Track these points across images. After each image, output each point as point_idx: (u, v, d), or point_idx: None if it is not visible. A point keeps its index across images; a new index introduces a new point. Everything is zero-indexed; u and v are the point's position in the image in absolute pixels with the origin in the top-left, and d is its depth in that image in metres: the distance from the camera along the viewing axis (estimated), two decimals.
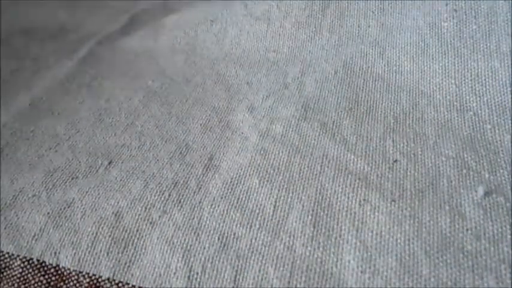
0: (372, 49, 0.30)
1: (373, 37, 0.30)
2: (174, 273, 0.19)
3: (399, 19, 0.30)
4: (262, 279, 0.18)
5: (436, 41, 0.28)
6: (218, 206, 0.21)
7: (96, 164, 0.24)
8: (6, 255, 0.20)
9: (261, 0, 0.34)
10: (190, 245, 0.20)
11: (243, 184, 0.22)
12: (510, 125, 0.24)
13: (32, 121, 0.29)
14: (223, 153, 0.24)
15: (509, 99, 0.25)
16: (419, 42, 0.29)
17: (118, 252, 0.20)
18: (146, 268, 0.19)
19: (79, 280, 0.19)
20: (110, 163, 0.24)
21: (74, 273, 0.19)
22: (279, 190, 0.21)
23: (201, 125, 0.27)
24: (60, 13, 0.40)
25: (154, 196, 0.22)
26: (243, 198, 0.21)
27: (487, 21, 0.28)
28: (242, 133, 0.26)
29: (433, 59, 0.28)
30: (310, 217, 0.20)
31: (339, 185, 0.21)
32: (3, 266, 0.20)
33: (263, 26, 0.33)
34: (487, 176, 0.21)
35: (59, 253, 0.20)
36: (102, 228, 0.20)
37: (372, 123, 0.25)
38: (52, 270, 0.19)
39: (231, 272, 0.19)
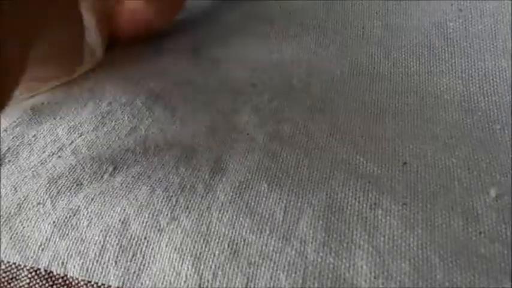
0: (377, 50, 0.29)
1: (378, 38, 0.30)
2: (185, 281, 0.18)
3: (404, 19, 0.30)
4: (274, 286, 0.18)
5: (442, 41, 0.28)
6: (227, 211, 0.21)
7: (100, 169, 0.24)
8: (13, 266, 0.20)
9: (264, 0, 0.34)
10: (200, 252, 0.19)
11: (252, 188, 0.22)
12: None
13: (33, 126, 0.28)
14: (230, 155, 0.24)
15: None
16: (425, 43, 0.28)
17: (126, 261, 0.19)
18: (156, 276, 0.19)
19: None
20: (114, 168, 0.24)
21: (82, 283, 0.19)
22: (288, 195, 0.21)
23: (205, 127, 0.26)
24: None
25: (162, 202, 0.22)
26: (252, 203, 0.21)
27: (493, 21, 0.28)
28: (248, 134, 0.25)
29: (439, 59, 0.28)
30: (321, 222, 0.20)
31: (350, 189, 0.21)
32: (10, 276, 0.19)
33: (266, 27, 0.33)
34: (498, 177, 0.21)
35: (67, 263, 0.19)
36: (110, 236, 0.20)
37: (380, 124, 0.25)
38: (60, 280, 0.19)
39: (243, 279, 0.18)
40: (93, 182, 0.23)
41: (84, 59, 0.31)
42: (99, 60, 0.32)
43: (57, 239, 0.20)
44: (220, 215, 0.21)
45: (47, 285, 0.19)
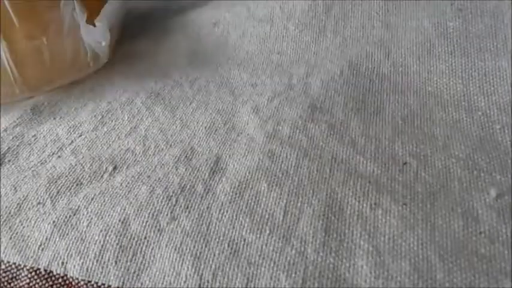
0: (377, 50, 0.29)
1: (378, 38, 0.30)
2: (185, 282, 0.18)
3: (404, 19, 0.30)
4: (274, 286, 0.18)
5: (442, 41, 0.28)
6: (227, 211, 0.21)
7: (100, 169, 0.24)
8: (13, 266, 0.20)
9: (263, 1, 0.34)
10: (200, 252, 0.19)
11: (252, 188, 0.22)
12: None
13: (33, 126, 0.28)
14: (230, 156, 0.24)
15: None
16: (425, 43, 0.28)
17: (126, 261, 0.19)
18: (156, 276, 0.19)
19: None
20: (114, 168, 0.24)
21: (82, 282, 0.19)
22: (288, 195, 0.21)
23: (205, 127, 0.26)
24: None
25: (161, 202, 0.22)
26: (252, 203, 0.21)
27: (492, 20, 0.28)
28: (248, 134, 0.25)
29: (439, 58, 0.27)
30: (321, 222, 0.20)
31: (349, 189, 0.21)
32: (10, 276, 0.19)
33: (266, 28, 0.33)
34: (498, 177, 0.21)
35: (67, 262, 0.19)
36: (110, 236, 0.20)
37: (380, 124, 0.25)
38: (60, 280, 0.19)
39: (243, 280, 0.18)
40: (93, 181, 0.23)
41: (85, 64, 0.31)
42: (103, 63, 0.33)
43: (57, 239, 0.20)
44: (220, 215, 0.21)
45: (46, 285, 0.19)
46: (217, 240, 0.20)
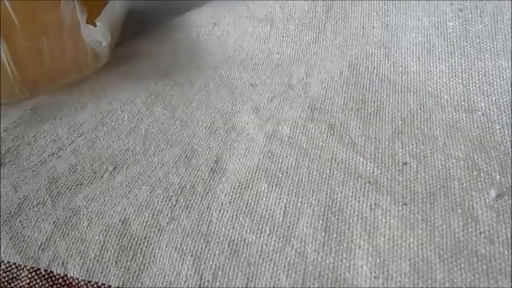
0: (377, 50, 0.29)
1: (378, 38, 0.30)
2: (185, 282, 0.18)
3: (404, 19, 0.30)
4: (274, 286, 0.18)
5: (441, 41, 0.28)
6: (227, 211, 0.21)
7: (100, 169, 0.24)
8: (13, 266, 0.20)
9: (263, 1, 0.34)
10: (200, 252, 0.19)
11: (252, 188, 0.22)
12: None
13: (33, 126, 0.28)
14: (230, 156, 0.24)
15: None
16: (424, 43, 0.28)
17: (127, 261, 0.19)
18: (156, 276, 0.19)
19: None
20: (114, 168, 0.24)
21: (82, 283, 0.19)
22: (288, 195, 0.21)
23: (205, 127, 0.27)
24: None
25: (162, 202, 0.22)
26: (252, 203, 0.21)
27: (492, 20, 0.28)
28: (248, 134, 0.25)
29: (439, 59, 0.27)
30: (321, 222, 0.20)
31: (349, 189, 0.21)
32: (10, 277, 0.19)
33: (266, 28, 0.33)
34: (498, 177, 0.21)
35: (67, 263, 0.19)
36: (110, 236, 0.20)
37: (380, 124, 0.25)
38: (60, 280, 0.19)
39: (243, 280, 0.18)
40: (93, 181, 0.23)
41: (85, 64, 0.32)
42: (103, 63, 0.33)
43: (58, 239, 0.20)
44: (220, 215, 0.21)
45: (47, 285, 0.19)
46: (217, 240, 0.20)
